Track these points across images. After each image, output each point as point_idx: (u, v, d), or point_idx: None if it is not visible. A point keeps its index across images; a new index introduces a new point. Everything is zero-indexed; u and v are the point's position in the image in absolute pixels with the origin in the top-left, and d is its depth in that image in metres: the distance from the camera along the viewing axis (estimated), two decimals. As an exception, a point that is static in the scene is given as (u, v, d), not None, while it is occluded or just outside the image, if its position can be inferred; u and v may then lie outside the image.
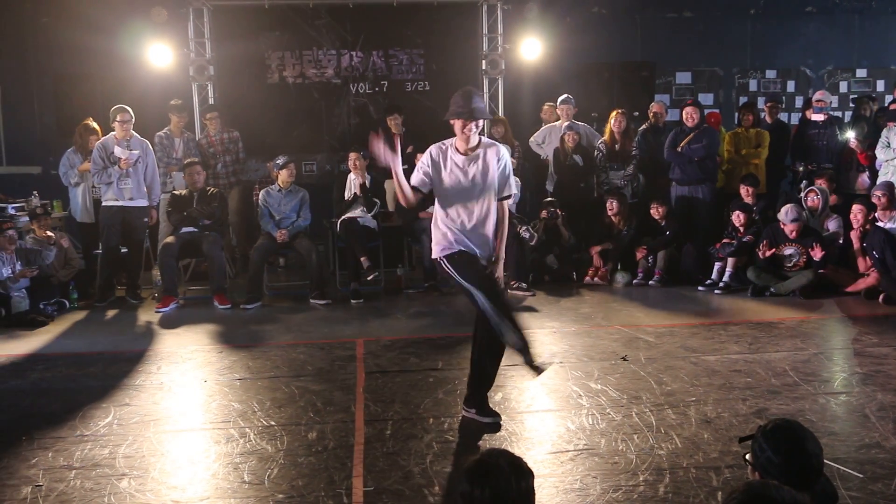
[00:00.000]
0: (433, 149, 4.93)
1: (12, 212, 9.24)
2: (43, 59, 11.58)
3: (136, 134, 8.93)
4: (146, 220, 9.12)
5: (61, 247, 8.75)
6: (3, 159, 11.46)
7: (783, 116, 11.74)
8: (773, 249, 8.58)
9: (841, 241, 8.92)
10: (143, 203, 9.00)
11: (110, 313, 8.60)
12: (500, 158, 4.87)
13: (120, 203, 8.82)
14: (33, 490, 4.25)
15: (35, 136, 11.68)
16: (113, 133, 8.83)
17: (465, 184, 4.84)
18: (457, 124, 4.83)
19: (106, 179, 8.76)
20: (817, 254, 8.40)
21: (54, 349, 7.21)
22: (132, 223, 8.96)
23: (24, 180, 10.99)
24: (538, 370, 4.80)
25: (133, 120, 8.85)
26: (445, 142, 4.96)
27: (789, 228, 8.56)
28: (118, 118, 8.74)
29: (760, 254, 8.57)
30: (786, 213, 8.61)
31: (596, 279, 9.27)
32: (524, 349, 4.72)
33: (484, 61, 11.29)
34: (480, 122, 4.85)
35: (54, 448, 4.81)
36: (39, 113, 11.74)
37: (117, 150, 8.69)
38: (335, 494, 4.12)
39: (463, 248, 4.87)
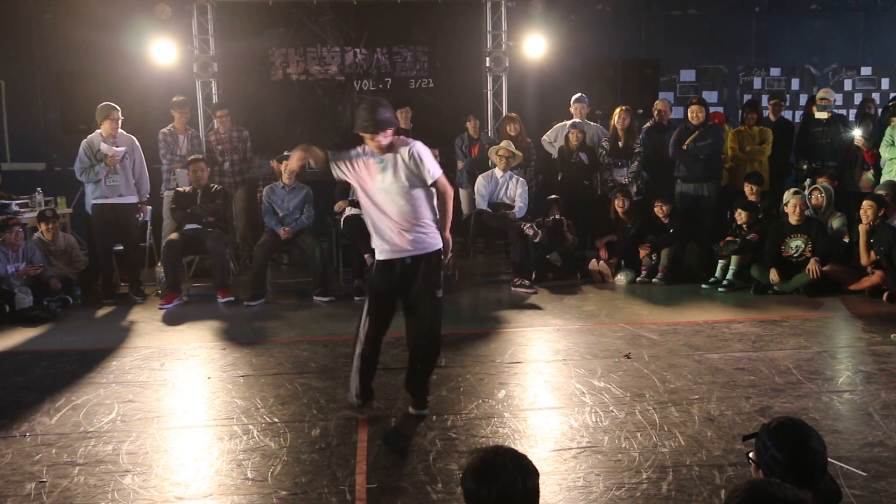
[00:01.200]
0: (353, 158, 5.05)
1: (16, 208, 9.26)
2: (47, 56, 11.60)
3: (122, 131, 8.89)
4: (138, 216, 9.10)
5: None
6: (8, 156, 11.47)
7: (787, 114, 11.71)
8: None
9: (847, 240, 8.90)
10: (134, 199, 8.95)
11: (114, 310, 8.61)
12: (410, 154, 4.94)
13: (110, 201, 8.78)
14: (37, 486, 4.25)
15: (39, 133, 11.70)
16: (98, 131, 8.78)
17: (384, 185, 4.97)
18: (366, 137, 4.93)
19: (93, 177, 8.72)
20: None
21: (58, 346, 7.21)
22: (125, 220, 8.93)
23: (29, 177, 11.01)
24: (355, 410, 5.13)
25: (118, 116, 8.79)
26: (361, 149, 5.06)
27: (793, 204, 8.57)
28: (111, 116, 8.68)
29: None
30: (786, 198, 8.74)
31: (601, 263, 9.25)
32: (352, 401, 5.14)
33: (488, 58, 11.30)
34: (389, 131, 4.94)
35: (58, 444, 4.82)
36: (43, 110, 11.75)
37: (104, 147, 8.64)
38: (338, 491, 4.12)
39: (385, 259, 5.06)
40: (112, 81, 11.12)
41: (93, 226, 9.01)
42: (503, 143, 9.53)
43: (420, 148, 5.00)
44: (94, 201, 8.82)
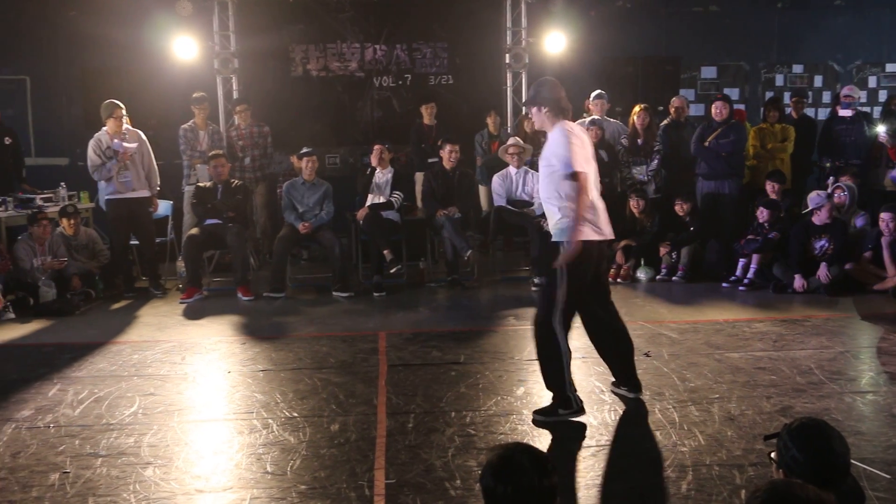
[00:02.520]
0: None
1: (41, 203, 9.34)
2: (70, 53, 11.68)
3: (128, 126, 8.94)
4: (151, 209, 9.16)
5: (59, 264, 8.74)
6: (32, 151, 11.56)
7: (810, 112, 11.63)
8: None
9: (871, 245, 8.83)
10: (146, 193, 9.03)
11: (135, 304, 8.67)
12: None
13: (124, 196, 8.86)
14: (61, 476, 4.30)
15: (63, 129, 11.79)
16: (104, 129, 8.83)
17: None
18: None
19: (105, 175, 8.79)
20: None
21: (80, 339, 7.27)
22: (139, 214, 9.01)
23: (52, 172, 11.10)
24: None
25: (122, 113, 8.82)
26: None
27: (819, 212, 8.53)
28: (115, 114, 8.73)
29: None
30: (812, 200, 8.62)
31: (618, 280, 9.20)
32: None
33: (508, 55, 11.28)
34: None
35: (81, 436, 4.87)
36: (67, 105, 11.84)
37: (115, 144, 8.72)
38: (357, 486, 4.14)
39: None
40: (134, 78, 11.23)
41: (108, 221, 9.09)
42: (510, 141, 9.54)
43: None
44: (108, 197, 8.90)
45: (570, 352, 5.05)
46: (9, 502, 4.03)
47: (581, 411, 5.02)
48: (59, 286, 8.45)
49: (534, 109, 5.12)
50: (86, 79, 11.68)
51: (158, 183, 9.22)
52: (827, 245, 8.52)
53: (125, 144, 8.69)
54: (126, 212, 8.91)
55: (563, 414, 5.00)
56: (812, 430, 2.68)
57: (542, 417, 5.02)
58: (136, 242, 9.24)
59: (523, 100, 10.93)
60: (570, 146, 4.88)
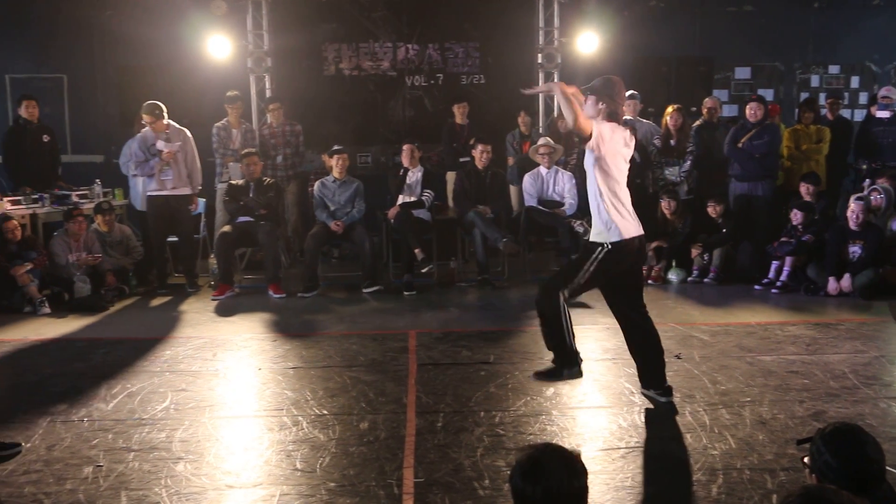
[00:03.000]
0: None
1: (76, 199, 9.46)
2: (106, 52, 11.82)
3: (173, 123, 9.05)
4: (191, 206, 9.25)
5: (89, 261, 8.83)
6: (69, 148, 11.71)
7: (846, 113, 11.48)
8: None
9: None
10: (187, 191, 9.13)
11: (167, 300, 8.76)
12: None
13: (164, 193, 8.97)
14: (94, 470, 4.35)
15: (98, 126, 11.92)
16: (148, 127, 8.93)
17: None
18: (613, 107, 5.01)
19: (148, 171, 8.93)
20: None
21: (114, 334, 7.37)
22: (178, 211, 9.10)
23: (88, 169, 11.23)
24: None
25: (163, 114, 8.90)
26: None
27: (854, 212, 8.40)
28: (155, 114, 8.82)
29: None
30: (848, 202, 8.57)
31: (649, 281, 9.15)
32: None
33: (540, 55, 11.24)
34: None
35: (114, 430, 4.92)
36: (103, 104, 11.98)
37: (160, 144, 8.83)
38: (386, 485, 4.15)
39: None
40: (168, 76, 11.33)
41: (148, 217, 9.20)
42: (541, 141, 9.51)
43: None
44: (150, 193, 9.03)
45: (569, 317, 4.96)
46: (44, 494, 4.08)
47: (580, 370, 5.06)
48: (94, 282, 8.57)
49: (591, 98, 4.94)
50: (121, 77, 11.82)
51: (200, 181, 9.31)
52: (860, 252, 8.41)
53: (167, 145, 8.79)
54: (166, 209, 9.02)
55: (566, 375, 5.04)
56: (846, 435, 2.64)
57: (547, 379, 5.12)
58: (175, 239, 9.32)
59: (556, 103, 10.94)
60: (603, 127, 4.80)
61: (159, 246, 9.21)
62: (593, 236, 4.95)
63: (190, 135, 9.15)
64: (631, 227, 4.89)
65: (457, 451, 4.55)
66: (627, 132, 4.99)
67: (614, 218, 4.83)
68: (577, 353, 5.03)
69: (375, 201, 9.69)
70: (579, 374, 5.08)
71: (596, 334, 7.07)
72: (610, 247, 4.83)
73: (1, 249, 8.29)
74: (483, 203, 9.22)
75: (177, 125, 9.07)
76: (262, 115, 10.91)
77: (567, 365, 5.02)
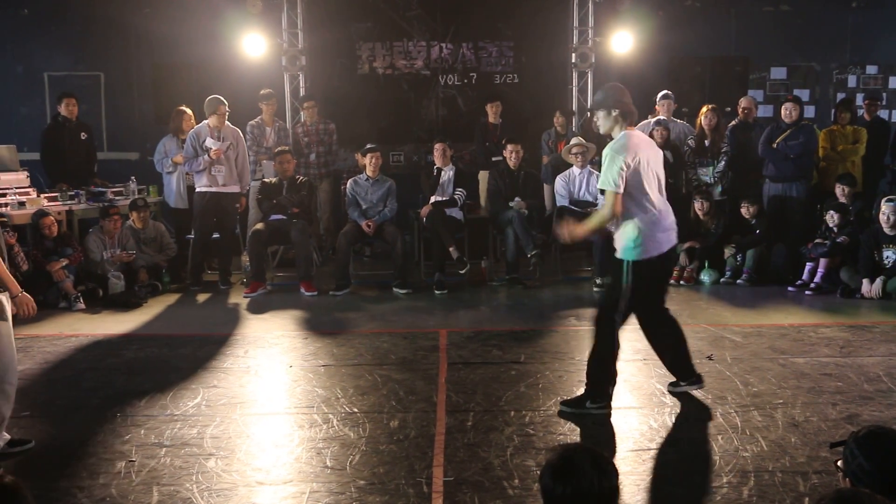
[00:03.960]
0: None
1: (111, 196, 9.57)
2: (142, 50, 11.95)
3: (228, 123, 9.12)
4: (237, 205, 9.33)
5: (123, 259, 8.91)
6: (105, 145, 11.86)
7: (883, 114, 11.32)
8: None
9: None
10: (236, 189, 9.20)
11: (200, 297, 8.84)
12: None
13: (213, 189, 9.04)
14: (126, 465, 4.40)
15: (133, 124, 12.04)
16: (206, 122, 9.02)
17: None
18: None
19: (197, 167, 8.99)
20: None
21: (147, 330, 7.45)
22: (225, 209, 9.18)
23: (123, 166, 11.36)
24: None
25: (226, 109, 9.02)
26: None
27: (885, 213, 8.27)
28: (218, 111, 8.92)
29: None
30: (880, 205, 8.42)
31: (682, 282, 9.08)
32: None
33: (574, 54, 11.21)
34: None
35: (146, 426, 4.98)
36: (138, 101, 12.11)
37: (209, 142, 8.90)
38: (415, 483, 4.16)
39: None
40: (204, 74, 11.44)
41: (195, 212, 9.26)
42: (573, 140, 9.47)
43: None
44: (199, 189, 9.09)
45: (619, 346, 5.15)
46: (77, 488, 4.14)
47: (608, 408, 5.12)
48: (128, 278, 8.67)
49: (601, 113, 5.12)
50: (157, 75, 11.95)
51: (249, 182, 9.37)
52: (895, 257, 8.28)
53: (215, 143, 8.87)
54: (214, 205, 9.09)
55: (589, 407, 5.09)
56: (880, 439, 2.61)
57: (569, 409, 5.13)
58: (217, 236, 9.39)
59: (589, 102, 10.91)
60: (623, 161, 4.90)
61: (203, 243, 9.25)
62: (619, 252, 5.08)
63: (241, 135, 9.22)
64: (652, 245, 4.99)
65: (486, 450, 4.55)
66: (645, 138, 5.21)
67: (638, 234, 4.98)
68: (608, 394, 5.14)
69: (407, 200, 9.72)
70: (603, 410, 5.11)
71: (627, 335, 7.01)
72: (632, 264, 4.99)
73: (37, 245, 8.41)
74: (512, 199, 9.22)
75: (231, 125, 9.14)
76: (296, 113, 10.98)
77: (593, 399, 5.13)
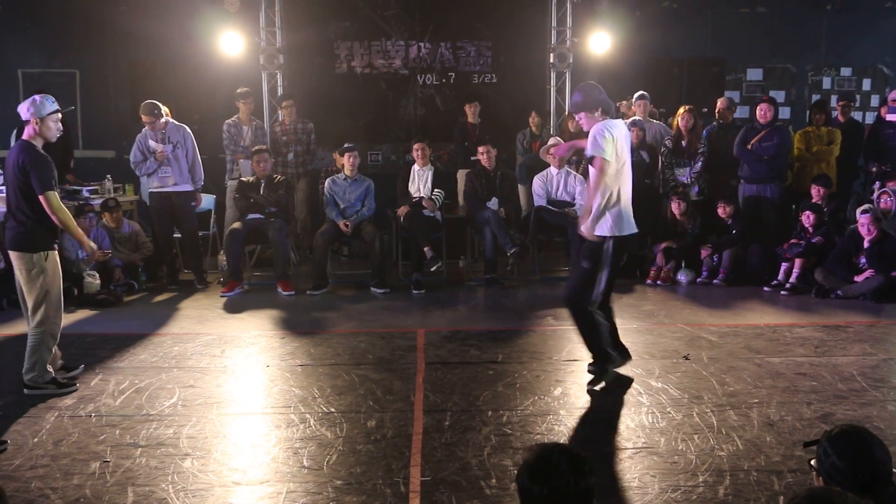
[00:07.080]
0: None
1: (87, 194, 9.49)
2: (118, 47, 11.85)
3: (172, 120, 9.06)
4: (193, 203, 9.26)
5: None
6: (80, 143, 11.76)
7: (857, 116, 11.43)
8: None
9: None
10: (188, 188, 9.12)
11: (177, 297, 8.77)
12: None
13: (165, 189, 9.00)
14: (101, 465, 4.37)
15: (110, 122, 11.95)
16: (146, 128, 8.97)
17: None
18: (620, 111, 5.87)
19: (146, 170, 8.98)
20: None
21: (123, 329, 7.39)
22: (181, 207, 9.11)
23: (99, 164, 11.29)
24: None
25: (161, 113, 8.90)
26: None
27: (865, 225, 8.33)
28: (153, 112, 8.81)
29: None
30: (860, 212, 8.47)
31: (658, 281, 9.13)
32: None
33: (552, 55, 11.23)
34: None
35: (121, 426, 4.95)
36: (114, 99, 12.02)
37: (152, 144, 8.89)
38: (392, 483, 4.16)
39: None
40: (180, 72, 11.37)
41: (151, 214, 9.23)
42: (551, 140, 9.49)
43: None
44: (151, 190, 9.07)
45: (605, 324, 5.63)
46: (51, 489, 4.11)
47: (626, 359, 5.78)
48: (103, 277, 8.59)
49: (583, 114, 5.51)
50: (133, 73, 11.85)
51: (202, 177, 9.30)
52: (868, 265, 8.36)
53: (158, 145, 8.84)
54: (167, 205, 9.04)
55: (610, 368, 5.68)
56: (853, 437, 2.64)
57: (597, 382, 5.60)
58: (179, 236, 9.35)
59: (568, 103, 10.94)
60: (605, 136, 5.33)
61: (165, 242, 9.23)
62: (599, 230, 5.51)
63: (189, 131, 9.14)
64: (626, 225, 5.58)
65: (464, 449, 4.56)
66: (625, 128, 5.62)
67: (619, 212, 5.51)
68: (613, 354, 5.72)
69: (386, 199, 9.70)
70: (620, 364, 5.71)
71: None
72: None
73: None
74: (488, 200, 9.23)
75: (176, 122, 9.07)
76: (274, 112, 10.93)
77: (609, 362, 5.67)
